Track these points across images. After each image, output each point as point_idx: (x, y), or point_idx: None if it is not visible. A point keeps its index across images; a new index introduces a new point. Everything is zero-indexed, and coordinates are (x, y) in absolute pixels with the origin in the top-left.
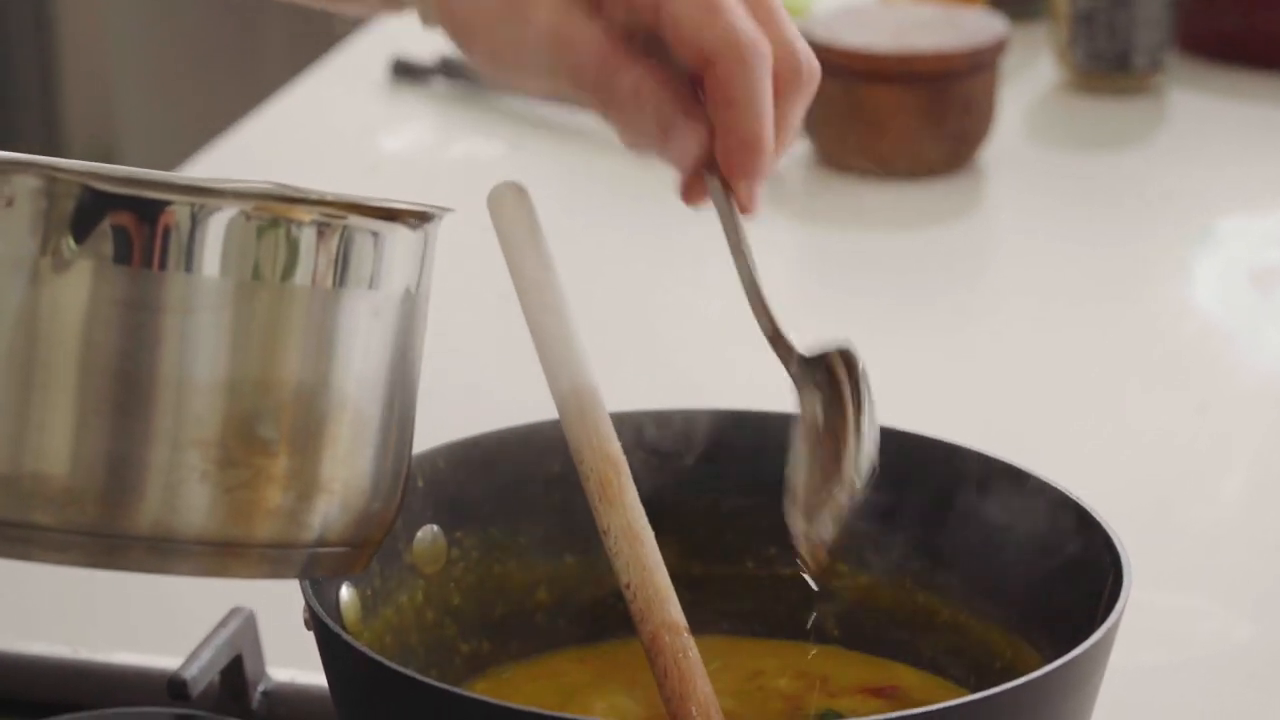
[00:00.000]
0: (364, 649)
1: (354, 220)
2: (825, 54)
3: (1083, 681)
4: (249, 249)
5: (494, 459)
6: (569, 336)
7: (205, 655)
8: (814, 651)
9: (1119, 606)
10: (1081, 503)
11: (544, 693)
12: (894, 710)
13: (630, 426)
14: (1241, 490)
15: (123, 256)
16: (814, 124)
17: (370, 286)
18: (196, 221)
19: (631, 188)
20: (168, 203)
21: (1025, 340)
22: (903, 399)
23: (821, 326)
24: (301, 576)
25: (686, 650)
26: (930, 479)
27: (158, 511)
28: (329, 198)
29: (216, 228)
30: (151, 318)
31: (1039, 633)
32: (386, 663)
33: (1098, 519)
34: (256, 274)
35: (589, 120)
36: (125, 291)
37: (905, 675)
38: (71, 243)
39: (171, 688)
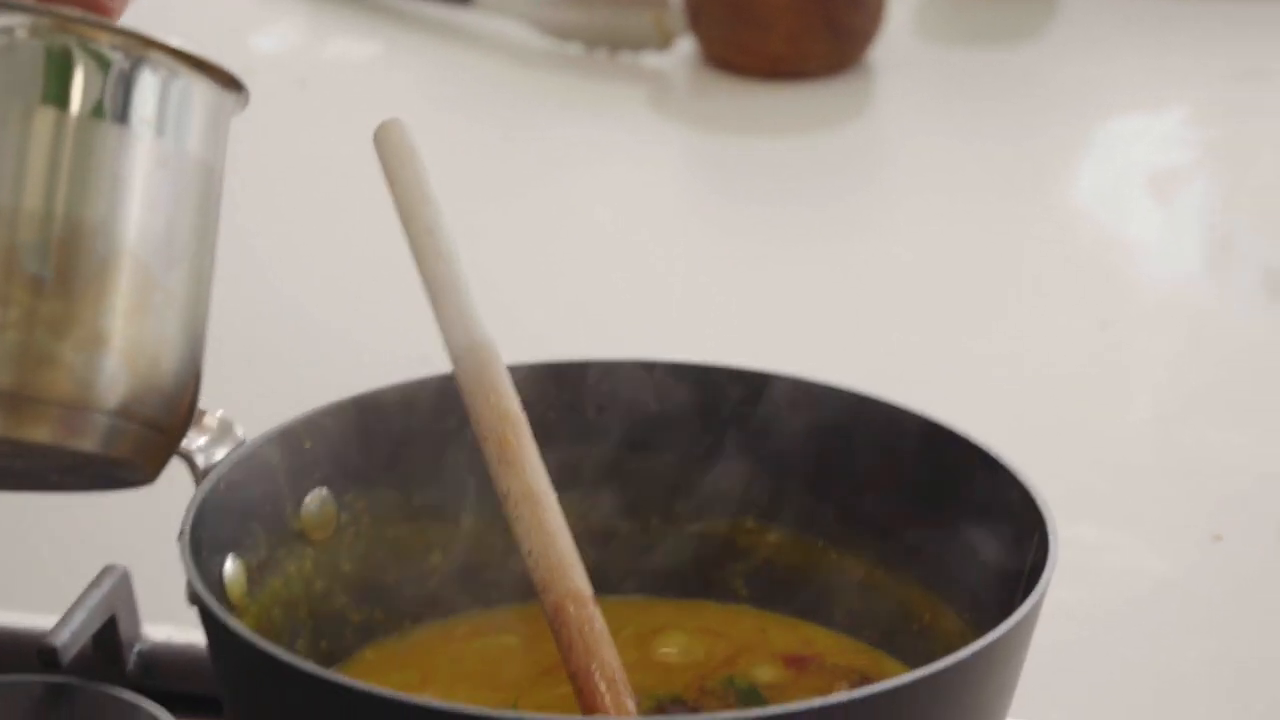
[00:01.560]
0: (244, 632)
1: (152, 55)
2: None
3: (1018, 648)
4: (31, 65)
5: (384, 417)
6: (463, 287)
7: (77, 618)
8: (721, 612)
9: (1047, 570)
10: (999, 457)
11: (438, 664)
12: (812, 684)
13: (526, 379)
14: (1150, 414)
15: None
16: (700, 23)
17: (159, 133)
18: None
19: (510, 86)
20: None
21: (917, 249)
22: (794, 312)
23: (709, 235)
24: (102, 450)
25: (592, 621)
26: (839, 432)
27: None
28: (130, 29)
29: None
30: None
31: (957, 591)
32: (266, 648)
33: (1014, 472)
34: (36, 94)
35: (466, 17)
36: None
37: (820, 639)
38: None
39: (42, 656)
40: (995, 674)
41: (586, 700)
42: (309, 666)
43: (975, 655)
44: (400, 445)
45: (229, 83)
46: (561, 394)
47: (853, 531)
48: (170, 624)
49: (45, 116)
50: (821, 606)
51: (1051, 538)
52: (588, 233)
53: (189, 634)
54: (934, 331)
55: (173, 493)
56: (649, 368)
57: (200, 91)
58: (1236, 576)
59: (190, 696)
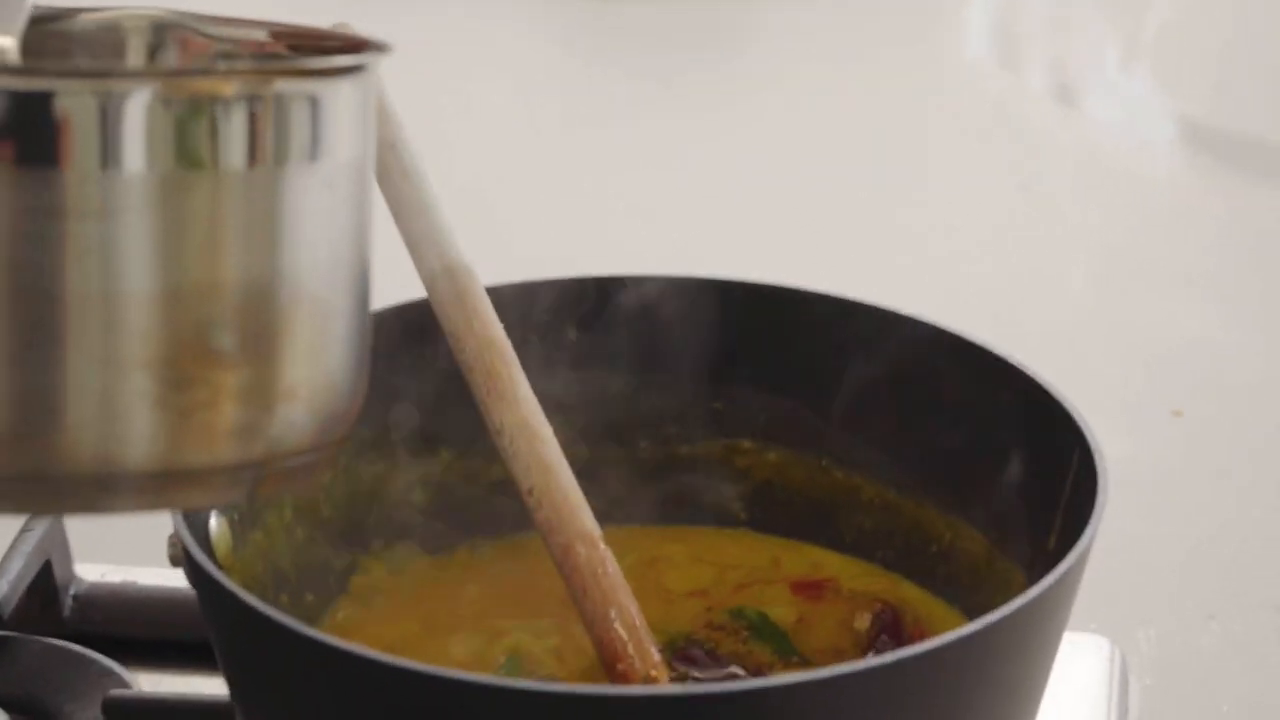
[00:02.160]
0: (232, 587)
1: (284, 86)
2: None
3: (1076, 583)
4: (167, 135)
5: None
6: (433, 206)
7: (13, 568)
8: (721, 538)
9: (1100, 494)
10: (1023, 367)
11: (436, 610)
12: (831, 613)
13: (501, 301)
14: (1086, 282)
15: (23, 157)
16: None
17: (313, 158)
18: (103, 111)
19: None
20: (65, 92)
21: (812, 119)
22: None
23: (580, 106)
24: (262, 493)
25: (605, 564)
26: (842, 343)
27: (102, 446)
28: (249, 65)
29: (126, 116)
30: (63, 226)
31: (979, 510)
32: (257, 605)
33: (1041, 382)
34: (180, 163)
35: None
36: (30, 199)
37: (829, 562)
38: None
39: None
40: (1061, 609)
41: (607, 650)
42: (322, 636)
43: (1049, 589)
44: (375, 381)
45: (374, 57)
46: (538, 314)
47: (858, 450)
48: (104, 562)
49: (195, 181)
50: (829, 529)
51: (1096, 456)
52: (461, 109)
53: (124, 571)
54: (846, 207)
55: None
56: (630, 283)
57: (348, 91)
58: (1201, 453)
59: (128, 640)
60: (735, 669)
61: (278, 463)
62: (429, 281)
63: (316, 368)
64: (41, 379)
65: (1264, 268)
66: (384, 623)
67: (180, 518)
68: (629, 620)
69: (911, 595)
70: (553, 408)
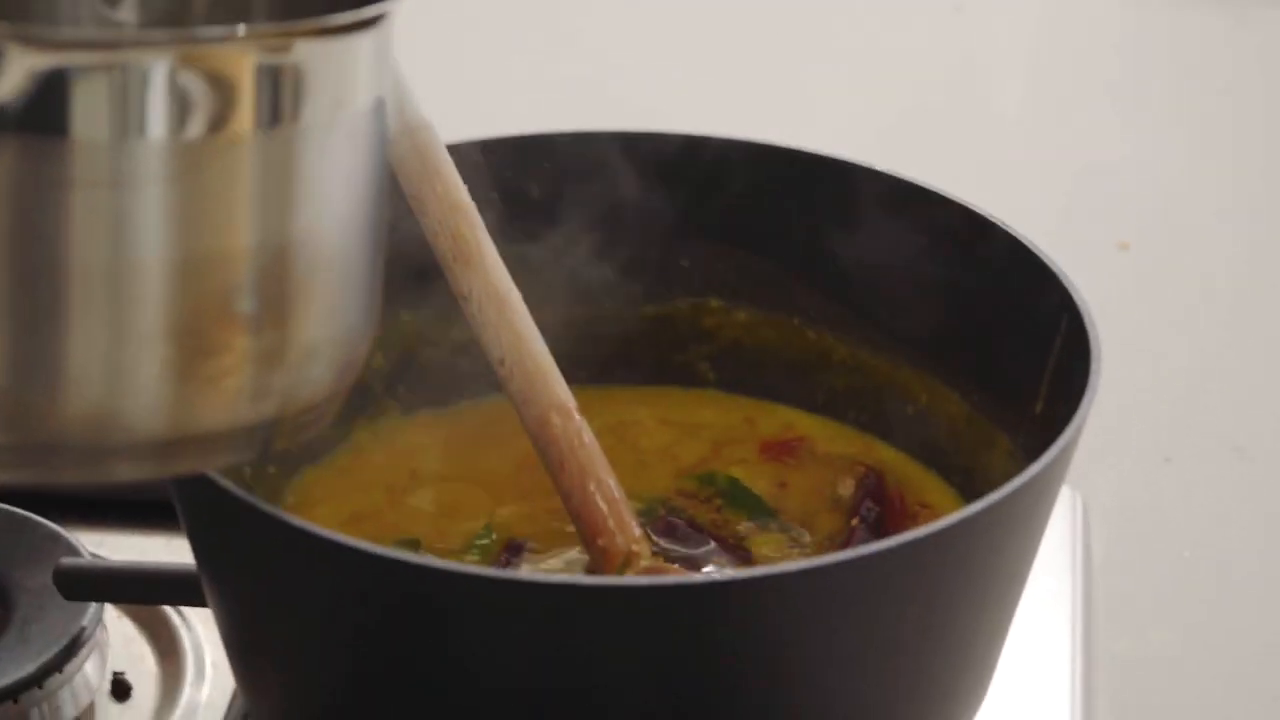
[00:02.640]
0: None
1: (302, 48)
2: None
3: (1065, 465)
4: (187, 103)
5: None
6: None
7: None
8: (689, 398)
9: (1094, 363)
10: (998, 221)
11: (391, 474)
12: (807, 477)
13: (464, 157)
14: (1021, 97)
15: (45, 126)
16: None
17: (336, 113)
18: (123, 82)
19: None
20: (84, 67)
21: None
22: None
23: None
24: (276, 448)
25: (580, 434)
26: (810, 199)
27: (133, 416)
28: (264, 27)
29: (148, 85)
30: (84, 195)
31: (959, 371)
32: (222, 483)
33: (1019, 238)
34: (204, 129)
35: None
36: (50, 169)
37: (802, 423)
38: None
39: None
40: (1057, 481)
41: (587, 524)
42: (283, 514)
43: (1049, 465)
44: None
45: (394, 4)
46: (499, 171)
47: (830, 308)
48: None
49: (219, 147)
50: (801, 390)
51: (1087, 321)
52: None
53: None
54: (776, 42)
55: None
56: (593, 139)
57: (368, 43)
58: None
59: (67, 501)
60: (713, 548)
61: (294, 419)
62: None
63: (336, 321)
64: (63, 347)
65: (1207, 93)
66: (351, 491)
67: None
68: (608, 493)
69: (888, 457)
70: (515, 266)
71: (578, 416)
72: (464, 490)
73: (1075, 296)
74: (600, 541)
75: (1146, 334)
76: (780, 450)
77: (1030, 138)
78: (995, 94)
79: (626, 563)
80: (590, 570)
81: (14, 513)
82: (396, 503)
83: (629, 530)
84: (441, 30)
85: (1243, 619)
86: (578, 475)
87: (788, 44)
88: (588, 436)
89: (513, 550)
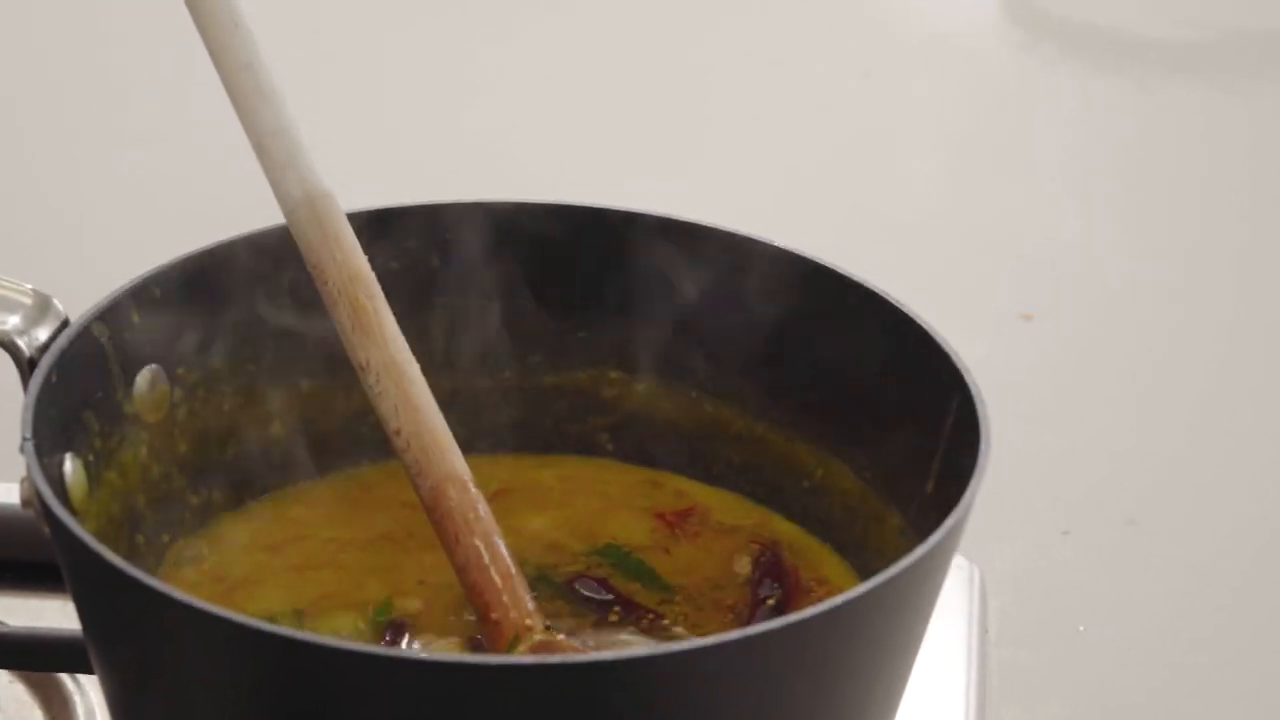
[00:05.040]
0: (83, 535)
1: None
2: None
3: (954, 543)
4: None
5: (213, 278)
6: (291, 130)
7: None
8: (585, 467)
9: (983, 444)
10: (898, 304)
11: (280, 541)
12: (702, 547)
13: (363, 226)
14: (929, 166)
15: None
16: None
17: None
18: None
19: None
20: None
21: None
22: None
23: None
24: None
25: (476, 508)
26: (709, 273)
27: None
28: None
29: None
30: None
31: (853, 448)
32: (106, 555)
33: (917, 320)
34: None
35: None
36: None
37: (698, 492)
38: None
39: None
40: (947, 557)
41: (479, 598)
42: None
43: (939, 544)
44: (231, 307)
45: None
46: (400, 239)
47: (727, 381)
48: None
49: None
50: (697, 462)
51: (977, 403)
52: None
53: None
54: (691, 110)
55: None
56: (497, 210)
57: None
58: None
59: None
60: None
61: None
62: (289, 210)
63: None
64: None
65: (1112, 160)
66: (239, 560)
67: (34, 459)
68: (503, 567)
69: (783, 530)
70: (415, 335)
71: (473, 489)
72: (356, 559)
73: (966, 378)
74: (494, 616)
75: (1048, 405)
76: (676, 520)
77: (938, 205)
78: (903, 161)
79: (519, 638)
80: (481, 645)
81: None
82: (287, 570)
83: (522, 605)
84: (344, 97)
85: (1135, 693)
86: (472, 549)
87: (687, 109)
88: (483, 509)
89: (397, 629)
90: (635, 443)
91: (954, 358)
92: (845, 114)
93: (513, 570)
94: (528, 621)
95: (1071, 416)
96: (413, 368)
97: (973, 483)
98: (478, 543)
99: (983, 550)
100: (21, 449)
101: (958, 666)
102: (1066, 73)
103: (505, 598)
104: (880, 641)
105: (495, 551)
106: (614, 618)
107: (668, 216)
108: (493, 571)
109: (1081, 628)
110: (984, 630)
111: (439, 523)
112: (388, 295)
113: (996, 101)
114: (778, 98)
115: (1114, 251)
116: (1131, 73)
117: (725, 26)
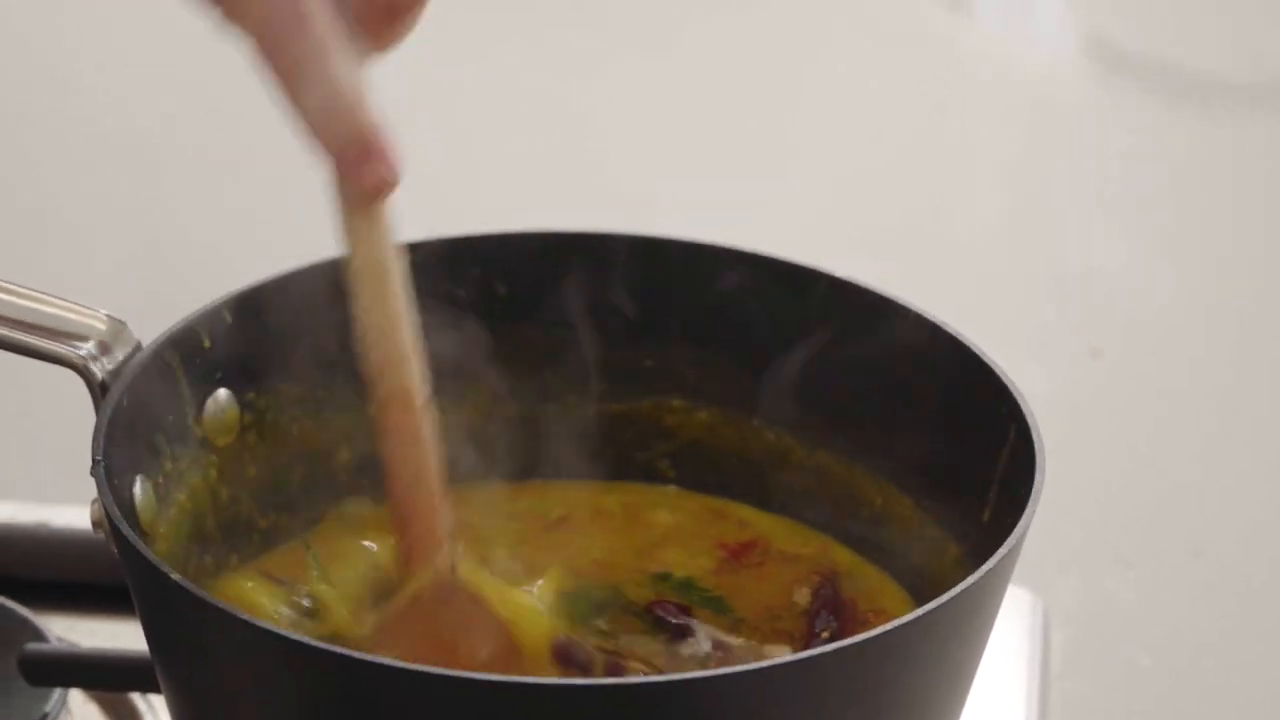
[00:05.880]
0: (152, 558)
1: None
2: None
3: (1009, 572)
4: None
5: (283, 306)
6: None
7: None
8: (647, 493)
9: (1038, 474)
10: (960, 337)
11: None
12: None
13: (433, 254)
14: (1002, 201)
15: None
16: None
17: None
18: None
19: None
20: None
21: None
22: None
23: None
24: None
25: (418, 427)
26: (775, 304)
27: None
28: None
29: None
30: None
31: (912, 477)
32: (174, 577)
33: (977, 352)
34: None
35: None
36: None
37: (759, 520)
38: None
39: None
40: (1002, 586)
41: (400, 510)
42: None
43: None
44: (301, 336)
45: None
46: (472, 268)
47: (789, 410)
48: (14, 502)
49: None
50: (758, 490)
51: (1034, 432)
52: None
53: (36, 513)
54: (765, 140)
55: None
56: (566, 240)
57: None
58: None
59: (40, 585)
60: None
61: None
62: None
63: None
64: None
65: (1184, 197)
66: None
67: (104, 482)
68: (429, 485)
69: (843, 559)
70: (480, 362)
71: (419, 408)
72: None
73: (1023, 407)
74: (414, 530)
75: (1114, 439)
76: (738, 550)
77: (1011, 240)
78: (977, 196)
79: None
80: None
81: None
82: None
83: (441, 525)
84: (432, 126)
85: None
86: (404, 462)
87: (765, 144)
88: (426, 430)
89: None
90: (698, 470)
91: (1011, 387)
92: (918, 148)
93: (436, 492)
94: (445, 544)
95: (1135, 449)
96: (397, 269)
97: (1028, 510)
98: (412, 457)
99: (1046, 583)
100: (92, 472)
101: (1019, 700)
102: (1142, 109)
103: (425, 515)
104: (934, 669)
105: (425, 469)
106: (683, 642)
107: (731, 247)
108: (418, 488)
109: (1146, 661)
110: (1046, 664)
111: (381, 433)
112: (455, 323)
113: (1071, 136)
114: (854, 131)
115: (1182, 286)
116: (1207, 110)
117: (806, 63)
